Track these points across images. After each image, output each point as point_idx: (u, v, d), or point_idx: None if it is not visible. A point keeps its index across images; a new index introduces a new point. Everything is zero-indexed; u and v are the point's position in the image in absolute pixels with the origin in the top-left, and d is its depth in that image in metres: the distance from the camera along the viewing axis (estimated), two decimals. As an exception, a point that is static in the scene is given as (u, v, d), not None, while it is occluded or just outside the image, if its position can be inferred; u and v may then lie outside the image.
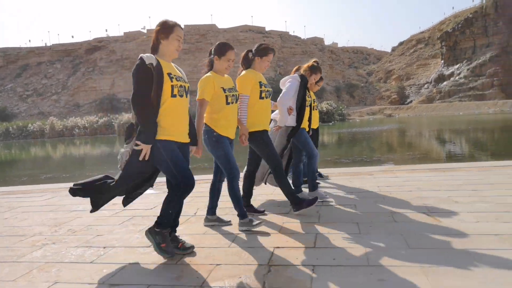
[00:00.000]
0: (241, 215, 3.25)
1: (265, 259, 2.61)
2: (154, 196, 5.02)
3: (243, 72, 3.52)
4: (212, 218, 3.50)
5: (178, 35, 2.62)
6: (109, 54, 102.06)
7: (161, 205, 2.71)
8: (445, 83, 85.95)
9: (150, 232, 2.70)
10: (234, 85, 3.40)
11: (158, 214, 2.72)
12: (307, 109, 4.26)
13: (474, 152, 13.17)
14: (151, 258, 2.76)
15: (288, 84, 4.03)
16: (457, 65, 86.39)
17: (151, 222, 3.72)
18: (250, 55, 3.56)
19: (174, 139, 2.62)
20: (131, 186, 2.71)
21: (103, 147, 28.14)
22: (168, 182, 2.75)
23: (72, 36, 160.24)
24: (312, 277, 2.29)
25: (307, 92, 4.32)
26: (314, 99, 4.90)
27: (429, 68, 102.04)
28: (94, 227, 3.69)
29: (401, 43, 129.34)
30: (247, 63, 3.57)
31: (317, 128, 5.24)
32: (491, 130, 23.69)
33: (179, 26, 2.65)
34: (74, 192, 2.70)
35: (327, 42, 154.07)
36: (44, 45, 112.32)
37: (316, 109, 5.06)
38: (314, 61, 4.44)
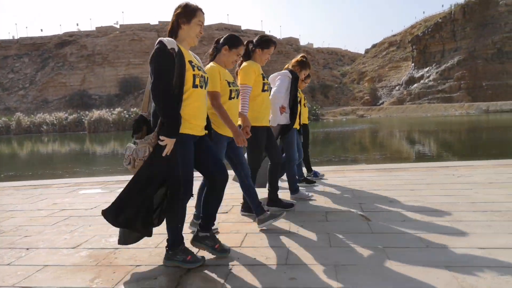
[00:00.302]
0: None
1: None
2: (100, 196, 4.91)
3: (244, 63, 3.31)
4: (265, 217, 3.11)
5: (200, 20, 2.41)
6: (80, 49, 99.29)
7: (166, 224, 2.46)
8: (415, 85, 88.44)
9: (168, 258, 2.47)
10: (234, 80, 3.14)
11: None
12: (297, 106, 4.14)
13: (435, 152, 13.61)
14: (73, 259, 2.69)
15: (279, 81, 3.86)
16: (427, 68, 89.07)
17: (86, 222, 3.64)
18: (251, 46, 3.40)
19: (194, 132, 2.41)
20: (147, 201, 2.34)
21: (72, 145, 27.37)
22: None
23: (41, 30, 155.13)
24: (227, 276, 2.29)
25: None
26: (303, 96, 4.85)
27: (400, 70, 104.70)
28: (24, 228, 3.57)
29: (374, 46, 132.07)
30: (247, 54, 3.37)
31: (307, 124, 5.21)
32: (455, 132, 24.58)
33: (201, 10, 2.43)
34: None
35: (303, 42, 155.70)
36: (11, 38, 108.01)
37: (306, 106, 5.00)
38: (302, 56, 4.29)
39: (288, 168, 4.08)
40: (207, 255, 2.59)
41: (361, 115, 69.71)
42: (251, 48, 3.40)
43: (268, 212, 3.13)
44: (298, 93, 4.00)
